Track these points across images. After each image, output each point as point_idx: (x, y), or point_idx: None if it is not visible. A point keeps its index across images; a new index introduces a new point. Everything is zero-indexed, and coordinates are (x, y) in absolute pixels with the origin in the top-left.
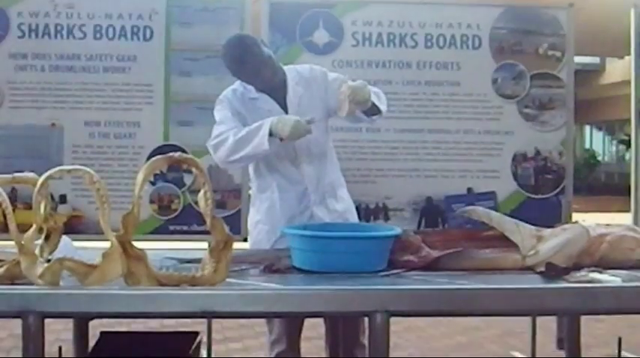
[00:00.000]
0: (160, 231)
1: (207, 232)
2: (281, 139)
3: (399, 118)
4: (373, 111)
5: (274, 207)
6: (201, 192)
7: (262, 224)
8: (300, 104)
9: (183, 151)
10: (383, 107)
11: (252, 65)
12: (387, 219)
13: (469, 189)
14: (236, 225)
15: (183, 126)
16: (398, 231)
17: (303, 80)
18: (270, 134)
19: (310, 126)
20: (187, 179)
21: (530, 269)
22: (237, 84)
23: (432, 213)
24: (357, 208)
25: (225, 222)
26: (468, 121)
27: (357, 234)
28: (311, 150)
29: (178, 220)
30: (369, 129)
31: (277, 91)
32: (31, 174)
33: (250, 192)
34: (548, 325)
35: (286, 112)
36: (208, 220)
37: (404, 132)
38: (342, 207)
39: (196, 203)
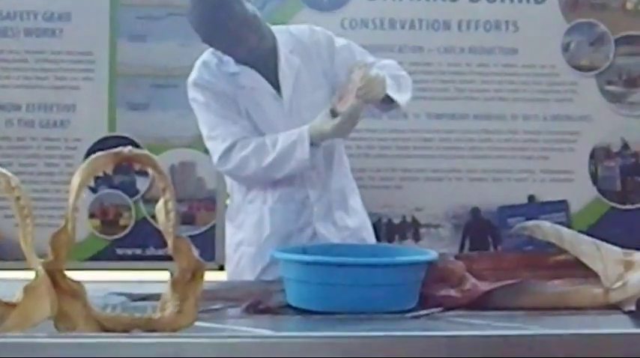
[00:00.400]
0: (104, 256)
1: (168, 257)
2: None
3: (434, 99)
4: (388, 102)
5: (263, 223)
6: (161, 201)
7: (246, 246)
8: (297, 80)
9: (136, 145)
10: (402, 98)
11: (231, 27)
12: (417, 238)
13: (531, 198)
14: (209, 248)
15: (136, 111)
16: (432, 255)
17: (300, 46)
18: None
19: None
20: (141, 184)
21: (615, 307)
22: (209, 54)
23: (479, 230)
24: (376, 224)
25: (193, 244)
26: (528, 103)
27: (375, 260)
28: None
29: (129, 241)
30: (391, 116)
31: (265, 63)
32: None
33: (229, 202)
34: None
35: (278, 91)
36: (170, 241)
37: (440, 119)
38: (355, 223)
39: (154, 217)
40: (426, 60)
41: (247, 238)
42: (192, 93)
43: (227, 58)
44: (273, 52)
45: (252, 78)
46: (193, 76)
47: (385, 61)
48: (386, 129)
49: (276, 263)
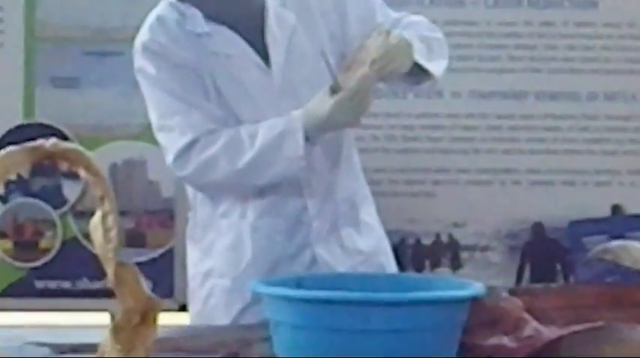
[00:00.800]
0: (19, 291)
1: (108, 293)
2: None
3: (480, 71)
4: (417, 73)
5: (242, 246)
6: (97, 215)
7: (218, 277)
8: (291, 45)
9: (63, 137)
10: (437, 68)
11: None
12: (456, 266)
13: (615, 209)
14: (165, 280)
15: (62, 89)
16: (477, 289)
17: None
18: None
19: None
20: (70, 191)
21: None
22: (166, 6)
23: (543, 253)
24: (399, 245)
25: (144, 274)
26: (612, 77)
27: (396, 296)
28: None
29: (53, 270)
30: (420, 93)
31: (247, 19)
32: None
33: (191, 214)
34: None
35: (265, 60)
36: (110, 270)
37: (488, 99)
38: (370, 244)
39: (87, 236)
40: (469, 17)
41: (219, 266)
42: (140, 62)
43: (192, 12)
44: (259, 5)
45: (228, 41)
46: (143, 37)
47: (414, 17)
48: (412, 114)
49: (258, 300)
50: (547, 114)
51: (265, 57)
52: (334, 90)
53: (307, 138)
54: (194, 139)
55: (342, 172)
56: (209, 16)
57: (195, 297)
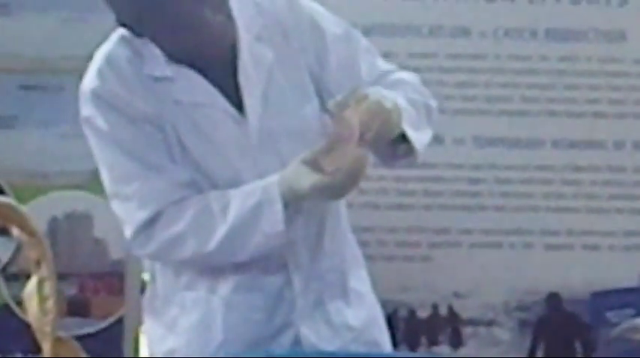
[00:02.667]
0: None
1: None
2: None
3: (486, 114)
4: (396, 144)
5: (212, 325)
6: (33, 280)
7: None
8: (269, 89)
9: None
10: (422, 140)
11: None
12: (456, 342)
13: None
14: (113, 355)
15: None
16: None
17: (274, 30)
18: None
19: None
20: (1, 249)
21: None
22: (117, 42)
23: (560, 329)
24: (391, 317)
25: (88, 349)
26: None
27: None
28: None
29: None
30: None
31: (217, 60)
32: None
33: (148, 279)
34: None
35: (240, 110)
36: (47, 344)
37: (496, 146)
38: (361, 317)
39: (20, 304)
40: (475, 49)
41: (184, 347)
42: (89, 112)
43: (150, 52)
44: (229, 41)
45: (193, 86)
46: (91, 83)
47: (404, 74)
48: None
49: None
50: (566, 166)
51: (239, 104)
52: (314, 165)
53: (286, 206)
54: (157, 213)
55: (328, 237)
56: (170, 56)
57: None
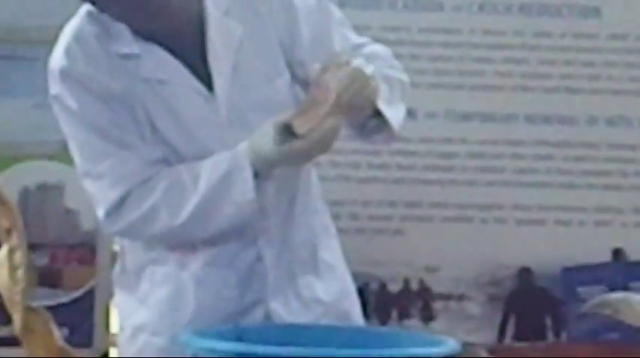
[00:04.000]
0: None
1: (14, 341)
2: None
3: (459, 88)
4: (372, 120)
5: (182, 300)
6: (4, 250)
7: (150, 333)
8: (238, 64)
9: None
10: (397, 117)
11: None
12: (428, 317)
13: (617, 253)
14: (83, 326)
15: None
16: (451, 346)
17: (242, 3)
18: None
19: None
20: None
21: None
22: (84, 18)
23: (531, 304)
24: (362, 290)
25: (58, 320)
26: (615, 97)
27: (354, 353)
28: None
29: None
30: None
31: (184, 35)
32: None
33: (118, 251)
34: None
35: (209, 87)
36: (18, 315)
37: (469, 121)
38: (332, 290)
39: None
40: (449, 24)
41: (154, 322)
42: (57, 89)
43: (117, 28)
44: (197, 16)
45: (160, 63)
46: (59, 61)
47: (377, 46)
48: None
49: None
50: (539, 141)
51: (207, 81)
52: (287, 128)
53: (256, 174)
54: (128, 191)
55: (299, 208)
56: (137, 33)
57: (124, 352)
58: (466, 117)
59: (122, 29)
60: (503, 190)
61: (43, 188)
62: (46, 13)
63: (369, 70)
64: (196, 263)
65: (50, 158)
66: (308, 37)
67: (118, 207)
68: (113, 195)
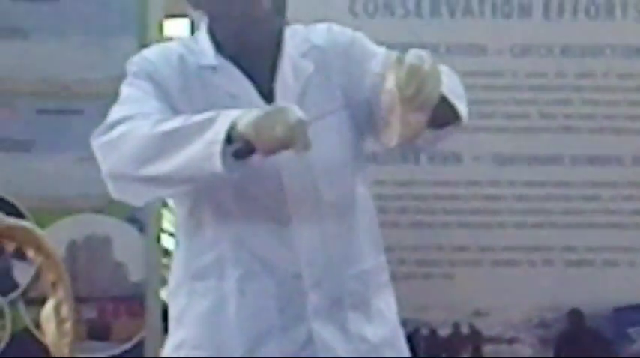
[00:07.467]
0: None
1: None
2: (250, 151)
3: (504, 132)
4: (444, 115)
5: (225, 308)
6: (50, 303)
7: (191, 348)
8: (303, 95)
9: (12, 210)
10: (464, 109)
11: None
12: None
13: None
14: None
15: (10, 153)
16: None
17: (316, 52)
18: (230, 140)
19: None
20: (21, 274)
21: None
22: (176, 41)
23: (581, 345)
24: (412, 336)
25: None
26: None
27: None
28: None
29: None
30: (435, 157)
31: (258, 58)
32: None
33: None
34: None
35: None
36: None
37: (515, 164)
38: (380, 335)
39: (38, 326)
40: (492, 67)
41: (194, 336)
42: (128, 75)
43: (202, 47)
44: (274, 47)
45: (236, 79)
46: (136, 58)
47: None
48: (426, 181)
49: None
50: (585, 182)
51: (269, 102)
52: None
53: (238, 157)
54: (131, 115)
55: (358, 241)
56: (219, 49)
57: None
58: (512, 159)
59: (207, 48)
60: (550, 232)
61: (90, 241)
62: (91, 68)
63: (426, 65)
64: (236, 273)
65: (97, 211)
66: (357, 65)
67: (114, 124)
68: (116, 114)
